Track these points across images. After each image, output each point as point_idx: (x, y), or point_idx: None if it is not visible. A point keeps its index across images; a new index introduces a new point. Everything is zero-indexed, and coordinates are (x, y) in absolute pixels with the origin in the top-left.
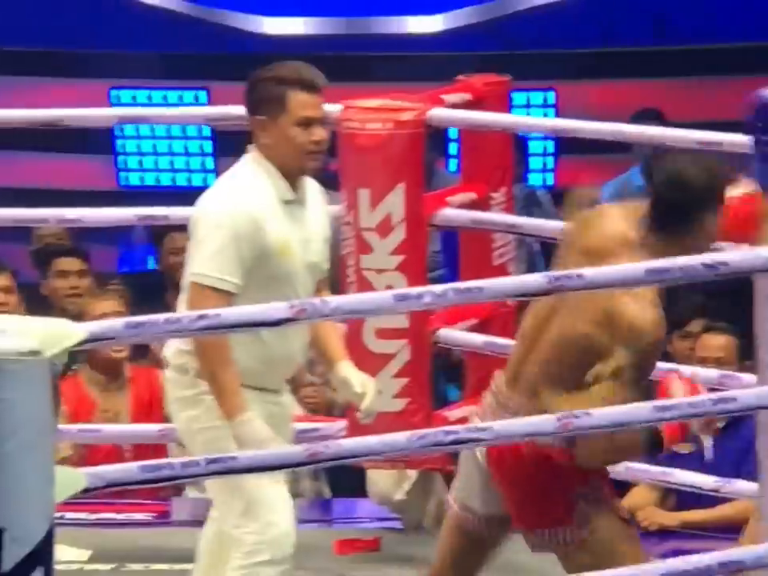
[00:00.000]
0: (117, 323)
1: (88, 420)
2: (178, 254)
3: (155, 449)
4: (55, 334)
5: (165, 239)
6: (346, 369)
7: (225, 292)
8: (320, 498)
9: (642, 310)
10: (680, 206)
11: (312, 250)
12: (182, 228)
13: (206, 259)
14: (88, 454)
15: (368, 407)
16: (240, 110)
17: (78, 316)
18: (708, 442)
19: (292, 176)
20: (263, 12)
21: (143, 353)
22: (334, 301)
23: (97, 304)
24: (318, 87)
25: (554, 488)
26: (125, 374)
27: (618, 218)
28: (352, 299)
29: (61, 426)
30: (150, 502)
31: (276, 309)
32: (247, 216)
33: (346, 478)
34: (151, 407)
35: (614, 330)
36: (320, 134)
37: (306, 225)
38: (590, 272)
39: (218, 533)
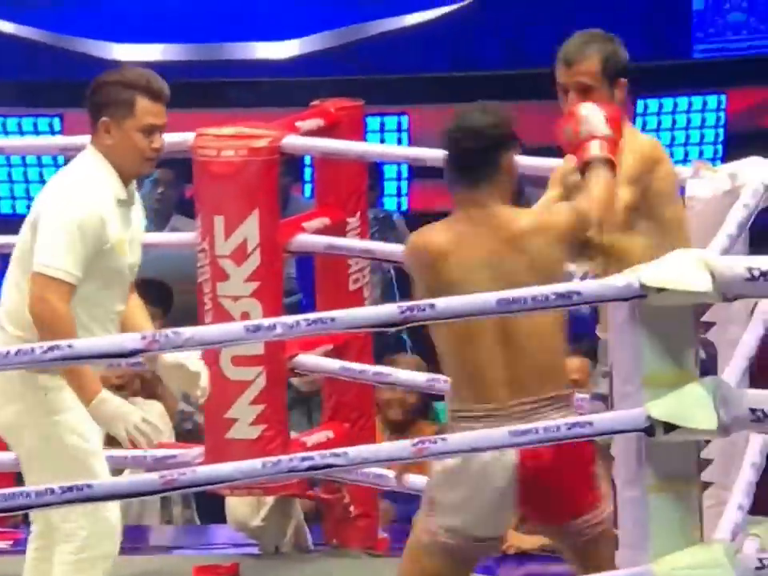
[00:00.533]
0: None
1: None
2: None
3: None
4: None
5: None
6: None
7: (68, 284)
8: (191, 524)
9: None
10: (483, 150)
11: (134, 251)
12: None
13: (54, 251)
14: None
15: (206, 385)
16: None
17: None
18: None
19: (127, 178)
20: (115, 39)
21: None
22: (188, 332)
23: None
24: (164, 96)
25: (589, 471)
26: None
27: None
28: (205, 330)
29: None
30: (3, 529)
31: (129, 339)
32: (94, 212)
33: (212, 505)
34: None
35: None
36: (160, 141)
37: (131, 226)
38: (442, 302)
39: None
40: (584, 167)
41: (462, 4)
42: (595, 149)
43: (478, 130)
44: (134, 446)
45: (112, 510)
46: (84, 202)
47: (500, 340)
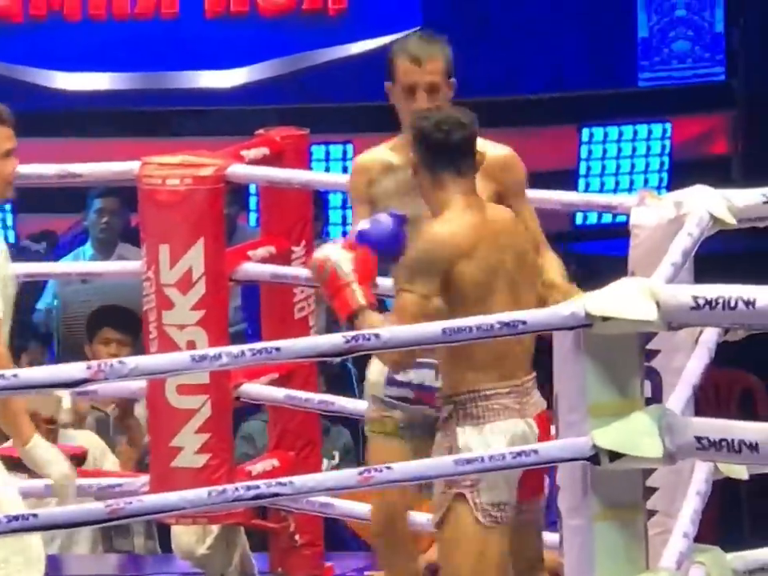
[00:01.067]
0: None
1: None
2: None
3: None
4: None
5: None
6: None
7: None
8: (152, 554)
9: None
10: (470, 139)
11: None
12: None
13: None
14: None
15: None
16: (39, 168)
17: None
18: None
19: None
20: (60, 67)
21: None
22: (133, 361)
23: None
24: (11, 119)
25: None
26: None
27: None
28: (150, 360)
29: None
30: None
31: (75, 369)
32: None
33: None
34: None
35: None
36: (15, 164)
37: None
38: (386, 331)
39: None
40: (351, 318)
41: (405, 32)
42: (357, 298)
43: (463, 121)
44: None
45: (34, 537)
46: None
47: None
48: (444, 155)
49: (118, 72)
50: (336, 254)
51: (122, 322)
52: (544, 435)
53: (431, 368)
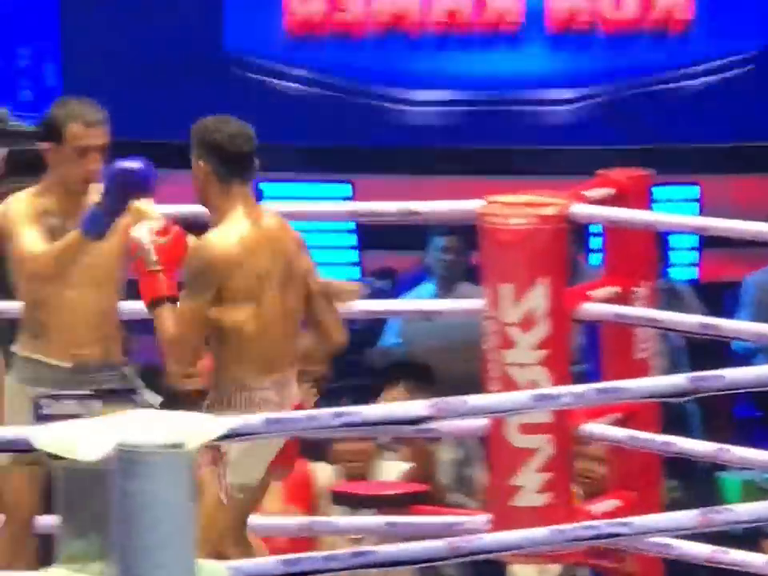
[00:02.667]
0: (255, 419)
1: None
2: None
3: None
4: (197, 428)
5: None
6: None
7: None
8: None
9: None
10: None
11: None
12: None
13: None
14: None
15: None
16: (384, 205)
17: None
18: None
19: None
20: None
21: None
22: (473, 399)
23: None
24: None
25: None
26: None
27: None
28: (491, 399)
29: None
30: None
31: (418, 406)
32: None
33: (487, 570)
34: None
35: None
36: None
37: None
38: (728, 372)
39: None
40: (151, 305)
41: (744, 69)
42: (160, 288)
43: (252, 135)
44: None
45: None
46: None
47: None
48: (236, 165)
49: (455, 95)
50: (147, 239)
51: (417, 376)
52: None
53: None
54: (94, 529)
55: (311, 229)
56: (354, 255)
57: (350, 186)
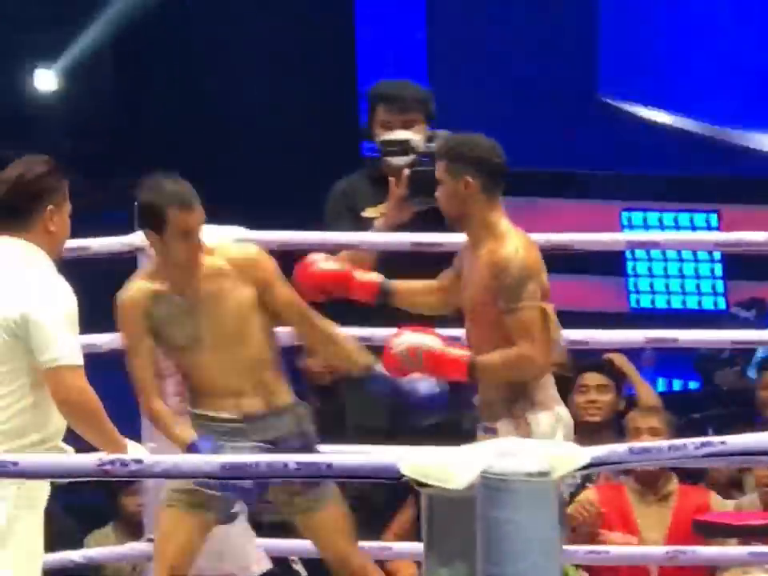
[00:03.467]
0: (620, 448)
1: (624, 529)
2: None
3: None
4: (562, 457)
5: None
6: None
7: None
8: None
9: None
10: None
11: None
12: None
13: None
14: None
15: None
16: (752, 235)
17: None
18: None
19: None
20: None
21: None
22: None
23: (641, 419)
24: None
25: None
26: (667, 487)
27: None
28: None
29: (566, 547)
30: None
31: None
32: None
33: None
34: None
35: None
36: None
37: None
38: None
39: None
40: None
41: None
42: (459, 356)
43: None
44: None
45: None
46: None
47: None
48: (500, 176)
49: None
50: (415, 338)
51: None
52: None
53: None
54: (459, 557)
55: (676, 258)
56: (719, 285)
57: (715, 215)
